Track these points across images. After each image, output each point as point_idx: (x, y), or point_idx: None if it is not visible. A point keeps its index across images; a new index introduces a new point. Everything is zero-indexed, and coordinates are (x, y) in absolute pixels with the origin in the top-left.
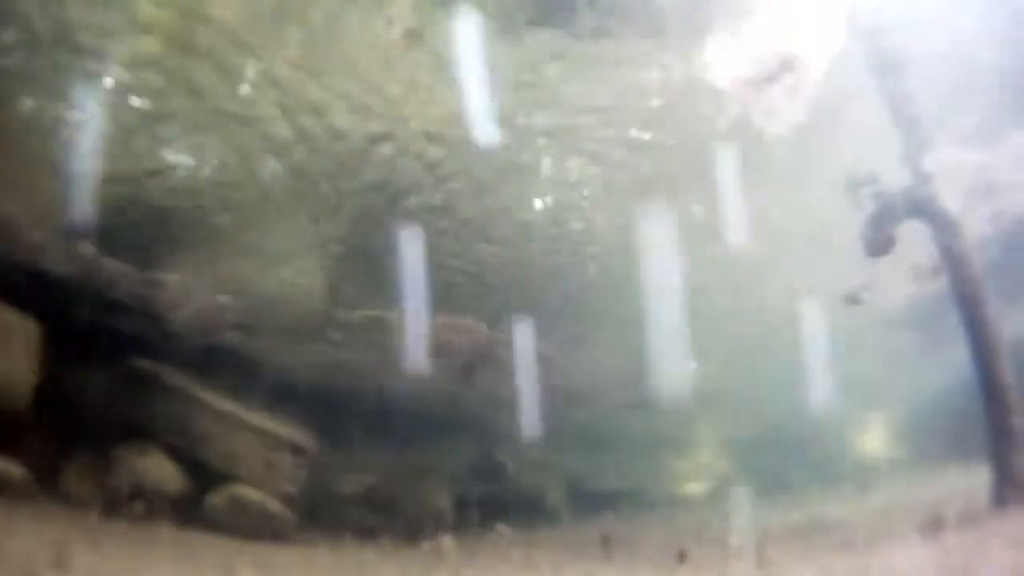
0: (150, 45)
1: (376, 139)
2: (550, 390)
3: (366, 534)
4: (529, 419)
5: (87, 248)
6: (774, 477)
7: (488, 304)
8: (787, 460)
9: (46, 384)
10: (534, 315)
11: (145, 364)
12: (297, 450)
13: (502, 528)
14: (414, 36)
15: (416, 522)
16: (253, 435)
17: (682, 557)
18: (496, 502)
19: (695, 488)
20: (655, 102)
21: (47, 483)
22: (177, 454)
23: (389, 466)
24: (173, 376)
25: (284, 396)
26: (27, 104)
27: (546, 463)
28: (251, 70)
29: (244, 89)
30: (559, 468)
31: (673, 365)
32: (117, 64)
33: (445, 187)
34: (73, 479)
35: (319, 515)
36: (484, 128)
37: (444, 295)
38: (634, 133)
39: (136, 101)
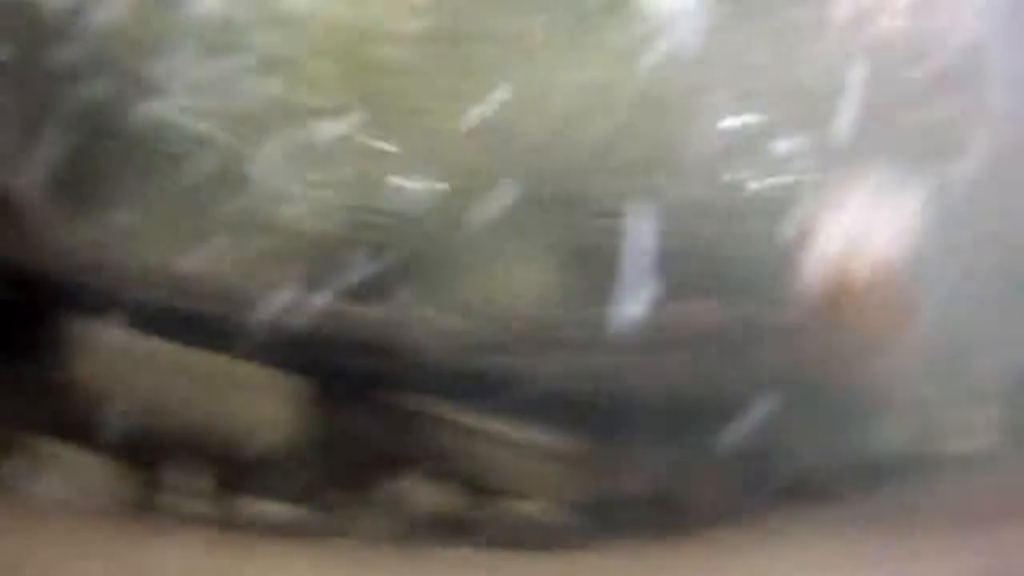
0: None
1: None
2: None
3: (655, 532)
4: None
5: (325, 296)
6: None
7: (726, 283)
8: None
9: (307, 431)
10: (772, 290)
11: (400, 398)
12: (570, 457)
13: (794, 510)
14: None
15: (707, 512)
16: (521, 449)
17: None
18: (779, 485)
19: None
20: None
21: (322, 521)
22: (445, 477)
23: (669, 459)
24: (433, 405)
25: (548, 405)
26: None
27: (817, 434)
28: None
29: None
30: (829, 440)
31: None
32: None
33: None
34: (347, 514)
35: (602, 520)
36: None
37: (685, 278)
38: None
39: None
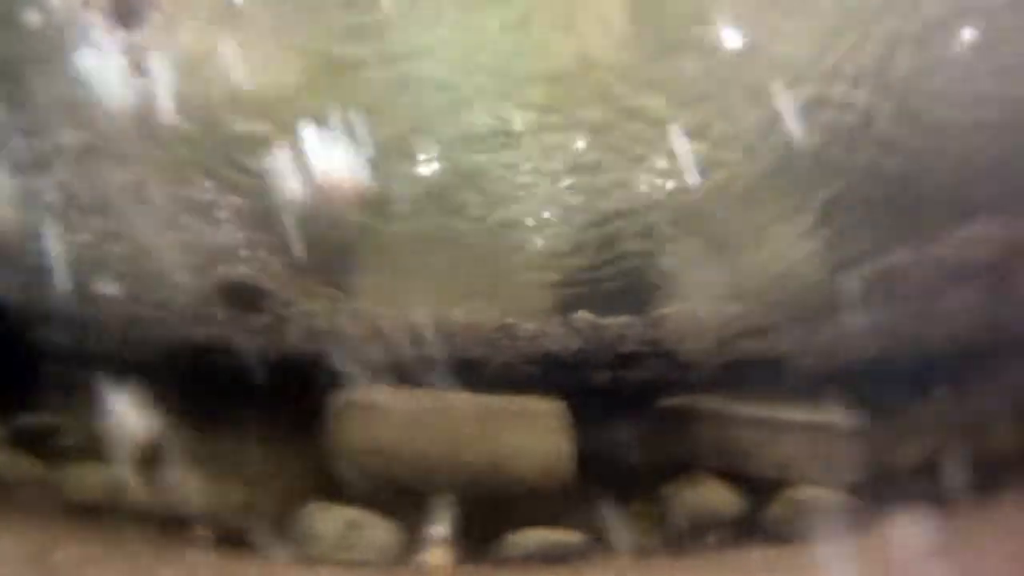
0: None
1: None
2: None
3: (939, 502)
4: None
5: (583, 316)
6: None
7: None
8: None
9: (583, 452)
10: None
11: (671, 401)
12: (847, 434)
13: None
14: None
15: (993, 470)
16: (798, 432)
17: None
18: None
19: None
20: None
21: (606, 541)
22: (726, 476)
23: (944, 422)
24: (702, 402)
25: (817, 383)
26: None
27: None
28: None
29: None
30: None
31: None
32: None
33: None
34: (631, 530)
35: (884, 495)
36: None
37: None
38: None
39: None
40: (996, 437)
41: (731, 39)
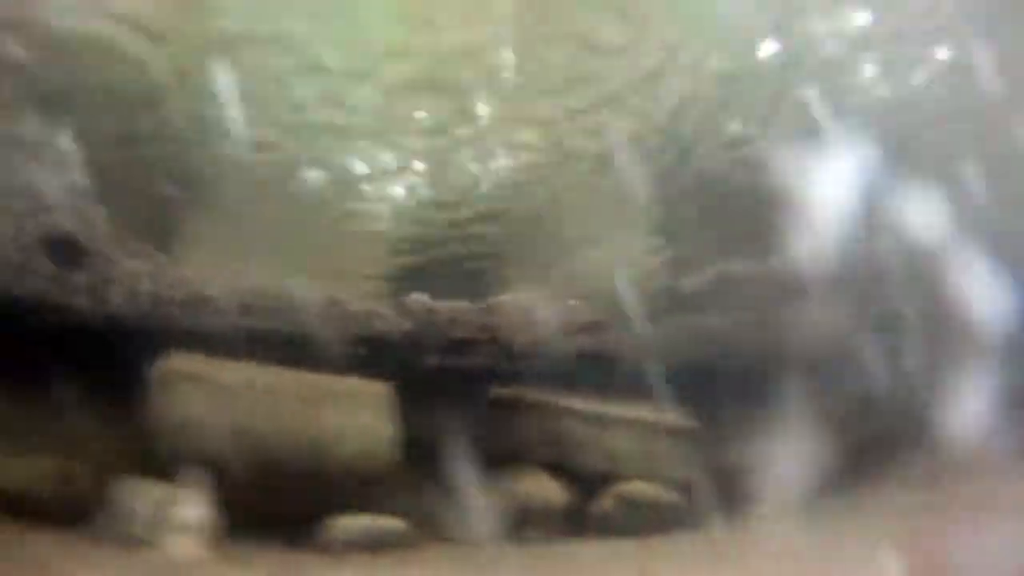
0: None
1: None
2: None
3: (762, 503)
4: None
5: (417, 298)
6: None
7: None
8: None
9: (409, 437)
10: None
11: (504, 391)
12: (676, 432)
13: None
14: None
15: (813, 479)
16: (628, 428)
17: None
18: (882, 441)
19: None
20: None
21: (430, 529)
22: (555, 468)
23: (770, 428)
24: (533, 394)
25: (649, 381)
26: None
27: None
28: None
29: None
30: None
31: None
32: None
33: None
34: (455, 518)
35: (708, 494)
36: None
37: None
38: None
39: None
40: (822, 444)
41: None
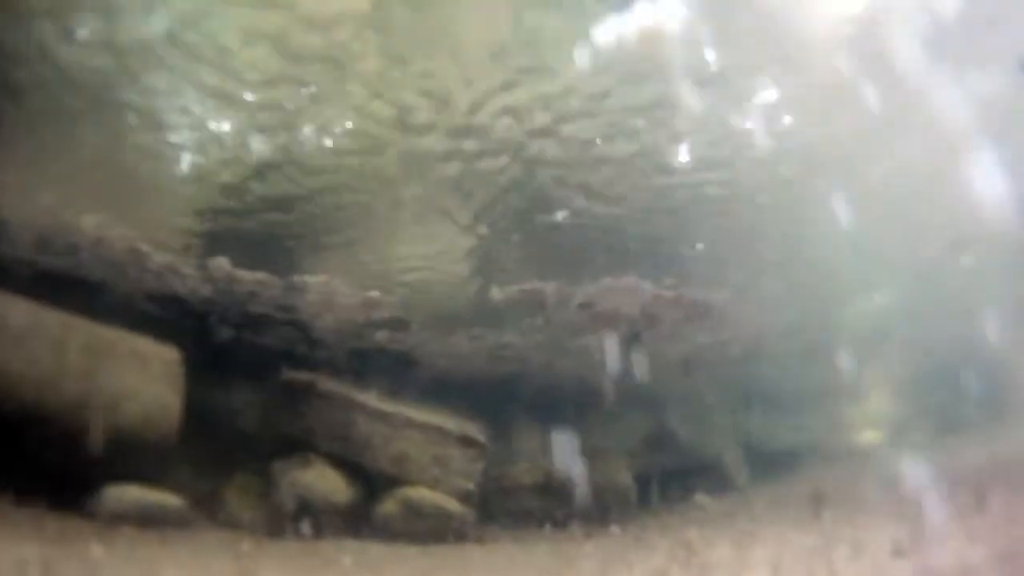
0: None
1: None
2: (717, 346)
3: (549, 522)
4: (699, 381)
5: (220, 263)
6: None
7: (646, 262)
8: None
9: (194, 409)
10: (695, 267)
11: (296, 375)
12: (468, 442)
13: (702, 498)
14: None
15: (600, 504)
16: (420, 433)
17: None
18: (675, 473)
19: (873, 437)
20: None
21: (207, 509)
22: (341, 463)
23: (562, 449)
24: (327, 383)
25: (446, 388)
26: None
27: (719, 426)
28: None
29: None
30: (733, 430)
31: (842, 305)
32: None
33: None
34: (234, 502)
35: (497, 508)
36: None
37: (599, 258)
38: None
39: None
40: (608, 472)
41: None
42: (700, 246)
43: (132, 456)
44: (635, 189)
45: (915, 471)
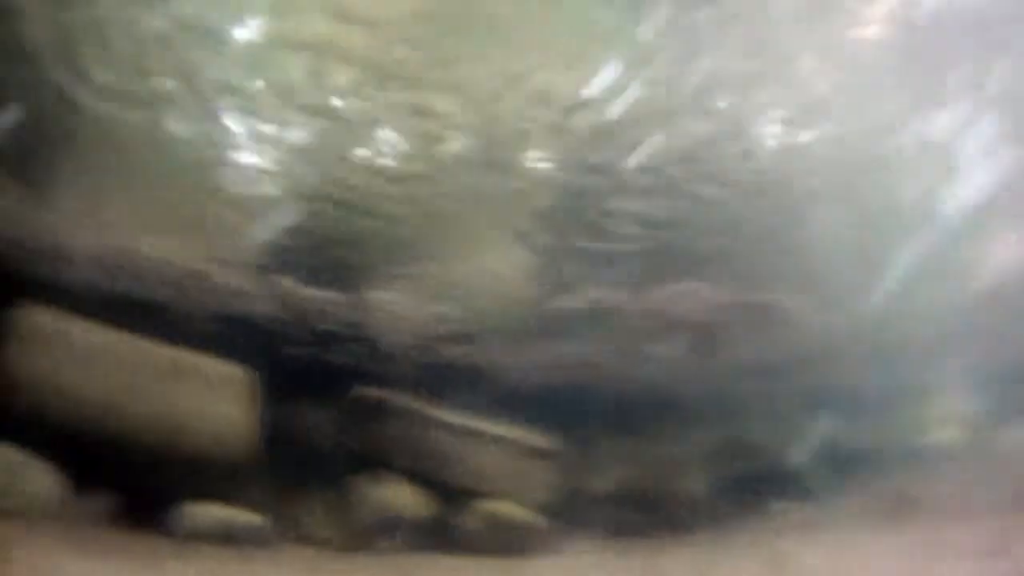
0: None
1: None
2: (792, 347)
3: (626, 532)
4: (774, 383)
5: (287, 283)
6: None
7: (717, 267)
8: None
9: (267, 428)
10: (765, 269)
11: (368, 391)
12: (543, 454)
13: (782, 504)
14: None
15: (676, 512)
16: (495, 446)
17: None
18: (754, 479)
19: (957, 434)
20: None
21: (284, 528)
22: (418, 478)
23: (638, 457)
24: (400, 399)
25: (518, 400)
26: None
27: (796, 429)
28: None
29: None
30: (811, 432)
31: (922, 298)
32: None
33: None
34: (310, 520)
35: (574, 519)
36: None
37: (668, 263)
38: None
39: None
40: (685, 479)
41: None
42: (770, 247)
43: (206, 476)
44: (704, 189)
45: (1004, 468)
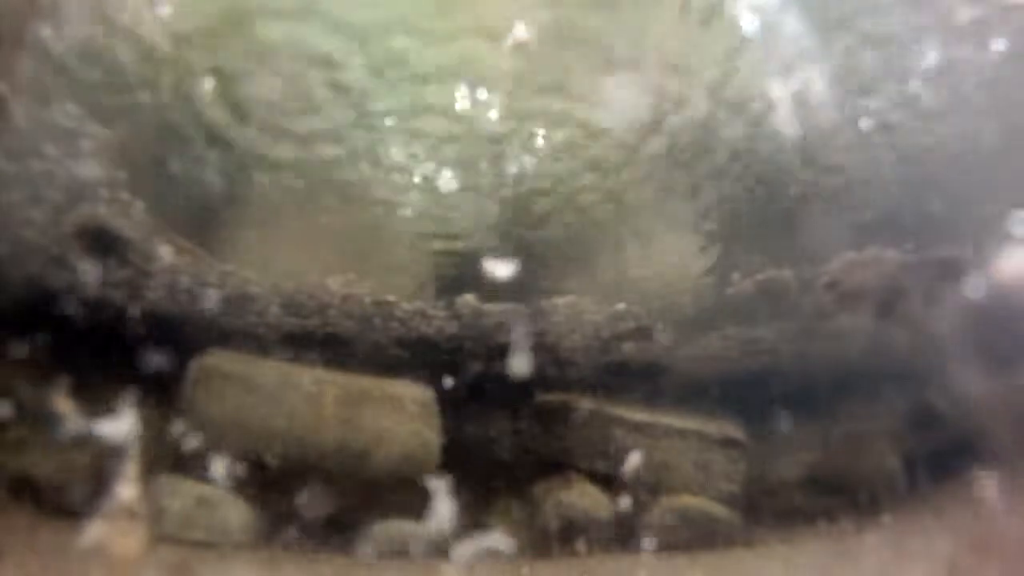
0: None
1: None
2: (974, 306)
3: (817, 518)
4: (961, 347)
5: (467, 301)
6: None
7: (885, 229)
8: None
9: (451, 443)
10: (936, 225)
11: (550, 397)
12: (729, 444)
13: (979, 477)
14: None
15: (868, 493)
16: (679, 439)
17: None
18: (943, 453)
19: None
20: None
21: (467, 537)
22: (602, 478)
23: (825, 440)
24: (581, 401)
25: (699, 391)
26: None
27: (988, 395)
28: None
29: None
30: (1005, 398)
31: None
32: None
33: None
34: (499, 528)
35: (763, 509)
36: None
37: (836, 235)
38: None
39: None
40: (873, 459)
41: None
42: (938, 203)
43: (395, 494)
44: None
45: None
